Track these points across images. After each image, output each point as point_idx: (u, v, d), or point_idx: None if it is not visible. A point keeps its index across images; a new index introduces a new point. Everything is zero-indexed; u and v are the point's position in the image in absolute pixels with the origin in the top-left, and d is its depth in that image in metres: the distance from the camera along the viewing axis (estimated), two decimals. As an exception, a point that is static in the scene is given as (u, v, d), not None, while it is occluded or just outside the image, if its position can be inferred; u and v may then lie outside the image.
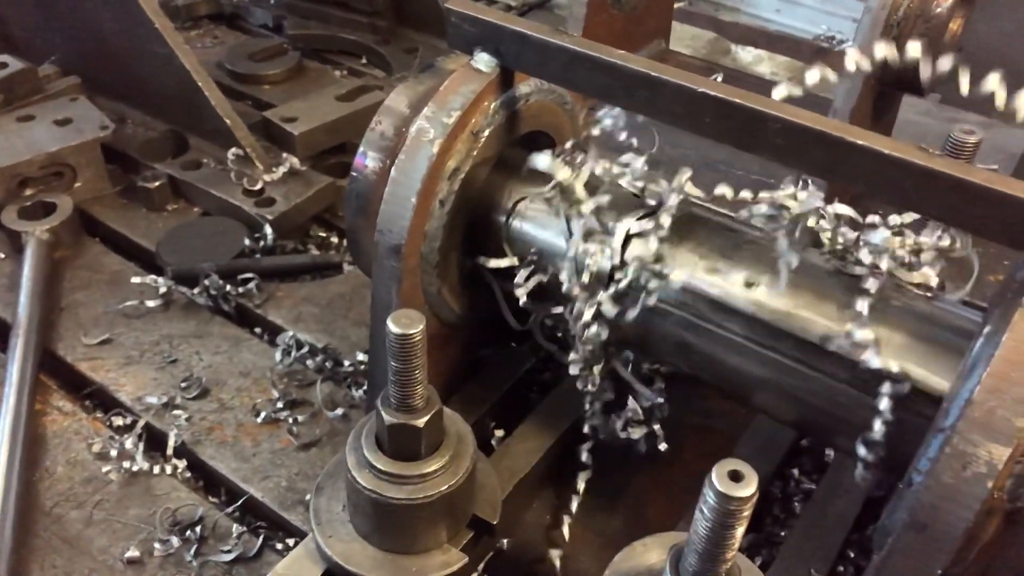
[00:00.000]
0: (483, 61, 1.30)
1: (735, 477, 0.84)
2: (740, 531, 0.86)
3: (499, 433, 1.54)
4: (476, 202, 1.36)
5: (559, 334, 1.54)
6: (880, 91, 2.14)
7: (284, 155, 2.38)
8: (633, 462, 1.54)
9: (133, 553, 1.52)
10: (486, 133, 1.31)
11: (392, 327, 1.09)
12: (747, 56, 3.69)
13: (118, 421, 1.79)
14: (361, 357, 1.90)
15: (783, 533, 1.47)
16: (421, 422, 1.16)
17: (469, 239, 1.41)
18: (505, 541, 1.43)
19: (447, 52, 3.09)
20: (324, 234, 2.35)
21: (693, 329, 1.22)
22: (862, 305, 1.08)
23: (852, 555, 1.42)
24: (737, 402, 1.45)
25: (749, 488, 0.83)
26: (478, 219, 1.38)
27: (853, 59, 1.98)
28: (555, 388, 1.60)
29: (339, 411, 1.79)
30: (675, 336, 1.23)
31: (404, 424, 1.16)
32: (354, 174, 1.39)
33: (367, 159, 1.37)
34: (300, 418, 1.78)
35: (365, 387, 1.83)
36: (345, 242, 2.30)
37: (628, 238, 1.24)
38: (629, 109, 1.20)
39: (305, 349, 1.92)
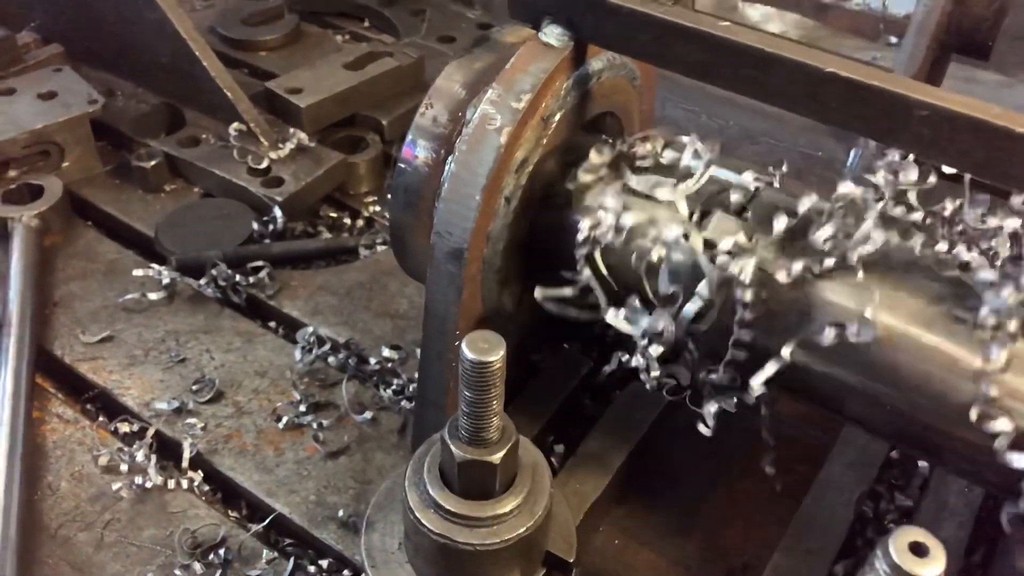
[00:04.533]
0: (554, 34, 1.13)
1: (918, 551, 0.69)
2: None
3: (559, 448, 1.40)
4: (543, 196, 1.19)
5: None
6: (938, 55, 1.99)
7: (291, 130, 2.20)
8: (706, 475, 1.41)
9: (152, 581, 1.39)
10: (557, 118, 1.14)
11: (468, 353, 0.94)
12: (755, 13, 3.55)
13: (125, 429, 1.65)
14: (387, 353, 1.76)
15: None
16: (497, 458, 1.01)
17: (533, 238, 1.24)
18: (575, 573, 1.29)
19: (456, 15, 2.91)
20: (335, 215, 2.20)
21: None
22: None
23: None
24: (825, 411, 1.31)
25: (936, 567, 0.69)
26: (544, 215, 1.22)
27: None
28: (616, 396, 1.46)
29: (367, 414, 1.65)
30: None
31: (477, 460, 1.01)
32: (402, 165, 1.22)
33: (417, 148, 1.20)
34: (325, 423, 1.64)
35: (393, 386, 1.70)
36: (359, 223, 2.15)
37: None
38: (733, 90, 1.03)
39: (327, 346, 1.77)
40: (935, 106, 0.89)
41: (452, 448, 1.02)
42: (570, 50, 1.13)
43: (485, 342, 0.95)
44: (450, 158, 1.11)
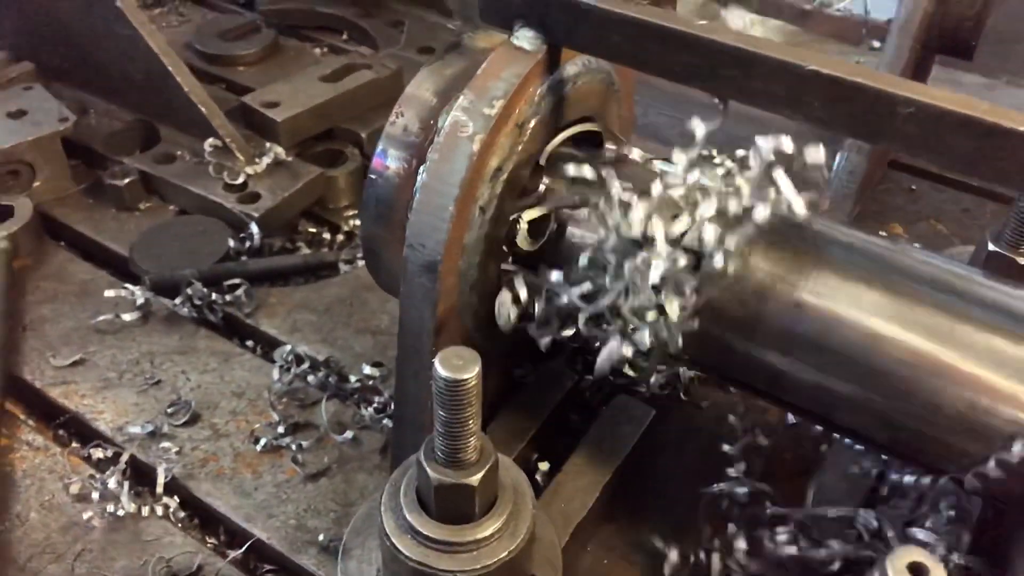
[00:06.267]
0: (526, 38, 1.09)
1: (918, 572, 0.65)
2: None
3: (544, 466, 1.35)
4: (520, 204, 1.15)
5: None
6: (922, 56, 1.97)
7: (267, 144, 2.16)
8: (696, 491, 1.37)
9: (124, 615, 1.33)
10: (532, 124, 1.10)
11: (442, 371, 0.89)
12: (737, 20, 3.54)
13: (98, 454, 1.60)
14: (368, 371, 1.72)
15: None
16: (475, 479, 0.96)
17: (510, 247, 1.20)
18: (561, 596, 1.24)
19: (436, 25, 2.88)
20: (314, 230, 2.16)
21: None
22: None
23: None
24: (809, 420, 1.27)
25: (937, 583, 0.65)
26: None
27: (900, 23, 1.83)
28: (601, 411, 1.41)
29: (348, 434, 1.60)
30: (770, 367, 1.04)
31: (455, 483, 0.96)
32: (372, 176, 1.18)
33: (388, 158, 1.16)
34: (305, 444, 1.59)
35: (375, 405, 1.65)
36: (339, 238, 2.11)
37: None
38: (713, 92, 0.99)
39: (305, 364, 1.72)
40: (921, 103, 0.86)
41: (428, 470, 0.98)
42: (543, 54, 1.09)
43: (459, 359, 0.90)
44: (422, 168, 1.07)
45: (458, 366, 0.90)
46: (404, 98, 1.17)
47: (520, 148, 1.11)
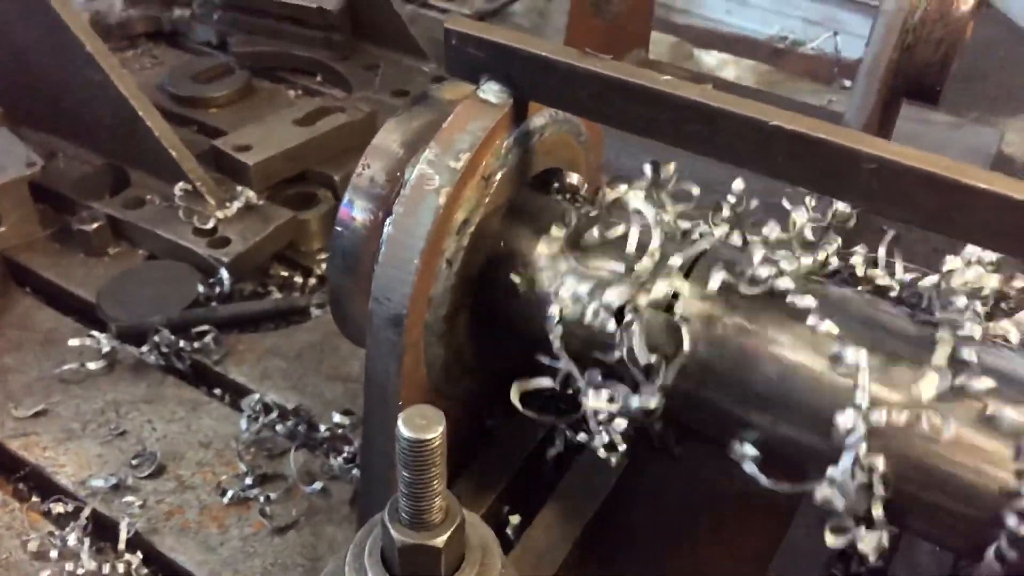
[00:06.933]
0: (492, 91, 1.08)
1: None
2: None
3: (515, 520, 1.33)
4: (488, 257, 1.14)
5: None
6: (889, 100, 1.99)
7: (238, 188, 2.14)
8: (670, 540, 1.35)
9: None
10: (499, 176, 1.10)
11: (404, 431, 0.87)
12: (711, 60, 3.58)
13: (58, 509, 1.55)
14: (338, 419, 1.69)
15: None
16: (440, 541, 0.94)
17: (479, 299, 1.19)
18: (532, 655, 1.22)
19: (410, 68, 2.89)
20: (286, 274, 2.13)
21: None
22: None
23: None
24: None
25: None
26: (490, 275, 1.17)
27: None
28: (574, 461, 1.39)
29: (317, 485, 1.58)
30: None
31: (419, 545, 0.94)
32: (339, 228, 1.17)
33: (355, 210, 1.15)
34: (273, 495, 1.56)
35: (345, 455, 1.62)
36: (311, 282, 2.09)
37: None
38: (679, 146, 0.99)
39: (274, 413, 1.69)
40: (883, 159, 0.86)
41: (392, 532, 0.95)
42: (509, 107, 1.09)
43: (423, 418, 0.88)
44: (388, 220, 1.06)
45: (422, 426, 0.88)
46: (371, 149, 1.16)
47: (487, 200, 1.10)
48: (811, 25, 3.91)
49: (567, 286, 1.09)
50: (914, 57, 1.83)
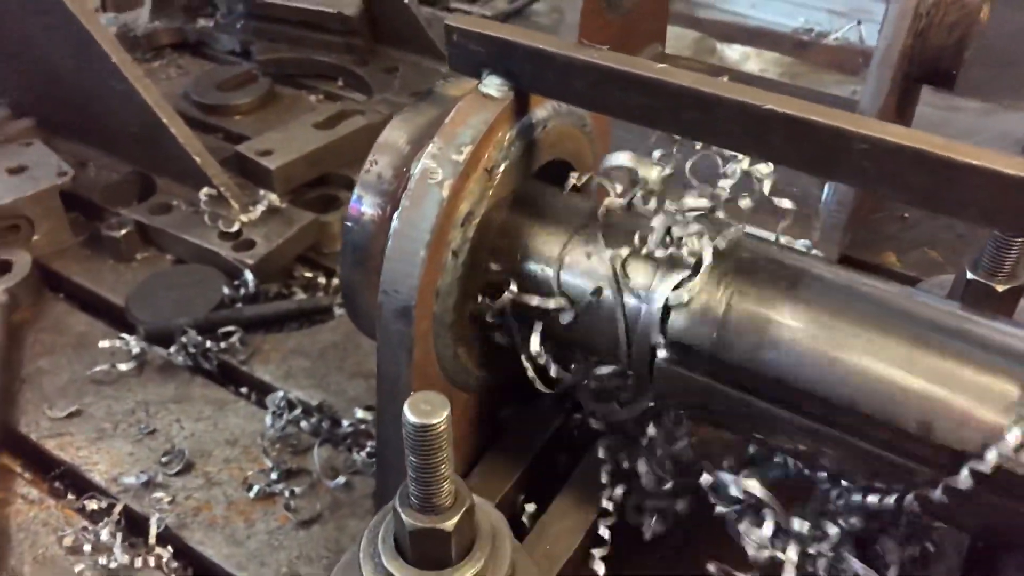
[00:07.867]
0: (494, 85, 1.11)
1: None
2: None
3: (530, 508, 1.35)
4: (493, 248, 1.16)
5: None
6: (905, 87, 1.98)
7: (261, 192, 2.19)
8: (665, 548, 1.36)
9: (116, 672, 1.33)
10: (502, 169, 1.12)
11: (410, 416, 0.90)
12: (734, 54, 3.56)
13: (92, 506, 1.60)
14: (361, 415, 1.72)
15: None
16: (450, 525, 0.96)
17: (486, 290, 1.21)
18: (547, 641, 1.24)
19: (430, 71, 2.92)
20: (310, 275, 2.17)
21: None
22: None
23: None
24: (791, 456, 1.25)
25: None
26: (495, 266, 1.19)
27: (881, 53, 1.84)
28: (588, 449, 1.41)
29: (340, 479, 1.61)
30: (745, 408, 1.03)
31: (429, 528, 0.96)
32: (348, 223, 1.19)
33: (363, 205, 1.18)
34: (297, 490, 1.60)
35: (368, 449, 1.65)
36: (334, 282, 2.13)
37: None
38: (678, 133, 1.01)
39: (298, 410, 1.73)
40: (875, 139, 0.86)
41: (403, 516, 0.97)
42: (511, 100, 1.11)
43: (427, 404, 0.91)
44: (395, 214, 1.09)
45: (426, 411, 0.90)
46: (378, 146, 1.19)
47: (491, 192, 1.12)
48: (837, 16, 3.85)
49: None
50: (928, 42, 1.82)
